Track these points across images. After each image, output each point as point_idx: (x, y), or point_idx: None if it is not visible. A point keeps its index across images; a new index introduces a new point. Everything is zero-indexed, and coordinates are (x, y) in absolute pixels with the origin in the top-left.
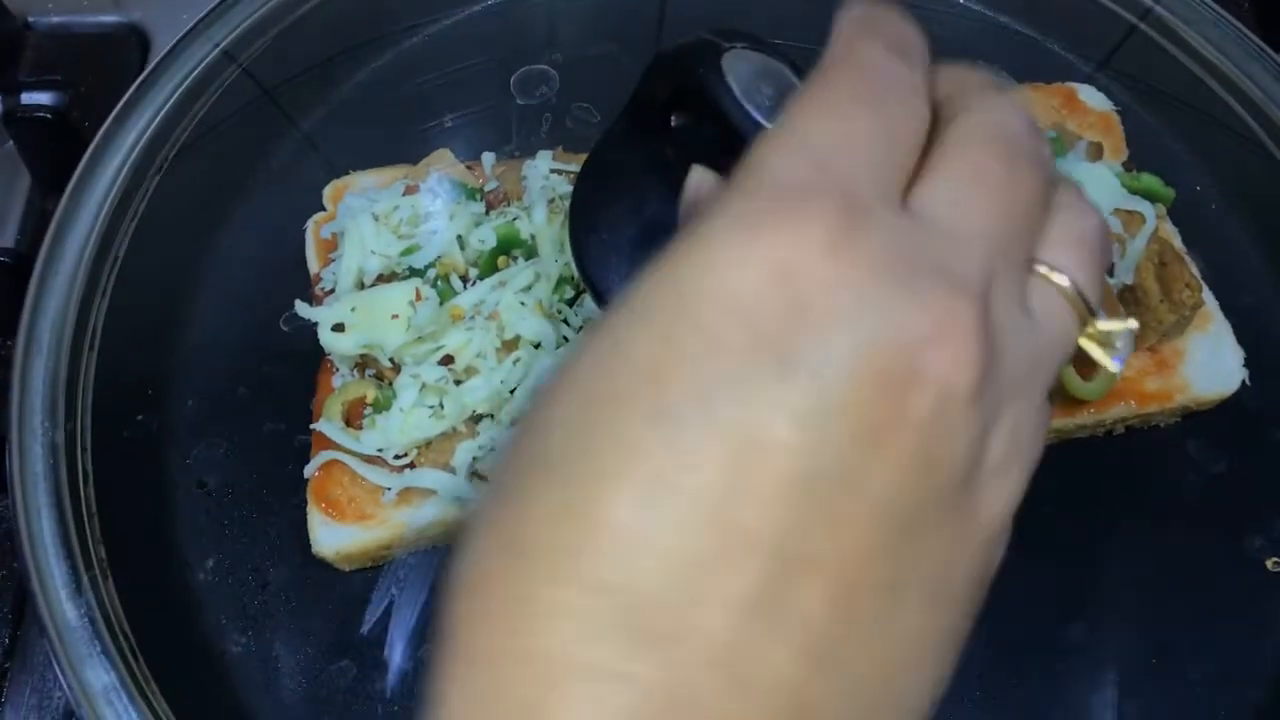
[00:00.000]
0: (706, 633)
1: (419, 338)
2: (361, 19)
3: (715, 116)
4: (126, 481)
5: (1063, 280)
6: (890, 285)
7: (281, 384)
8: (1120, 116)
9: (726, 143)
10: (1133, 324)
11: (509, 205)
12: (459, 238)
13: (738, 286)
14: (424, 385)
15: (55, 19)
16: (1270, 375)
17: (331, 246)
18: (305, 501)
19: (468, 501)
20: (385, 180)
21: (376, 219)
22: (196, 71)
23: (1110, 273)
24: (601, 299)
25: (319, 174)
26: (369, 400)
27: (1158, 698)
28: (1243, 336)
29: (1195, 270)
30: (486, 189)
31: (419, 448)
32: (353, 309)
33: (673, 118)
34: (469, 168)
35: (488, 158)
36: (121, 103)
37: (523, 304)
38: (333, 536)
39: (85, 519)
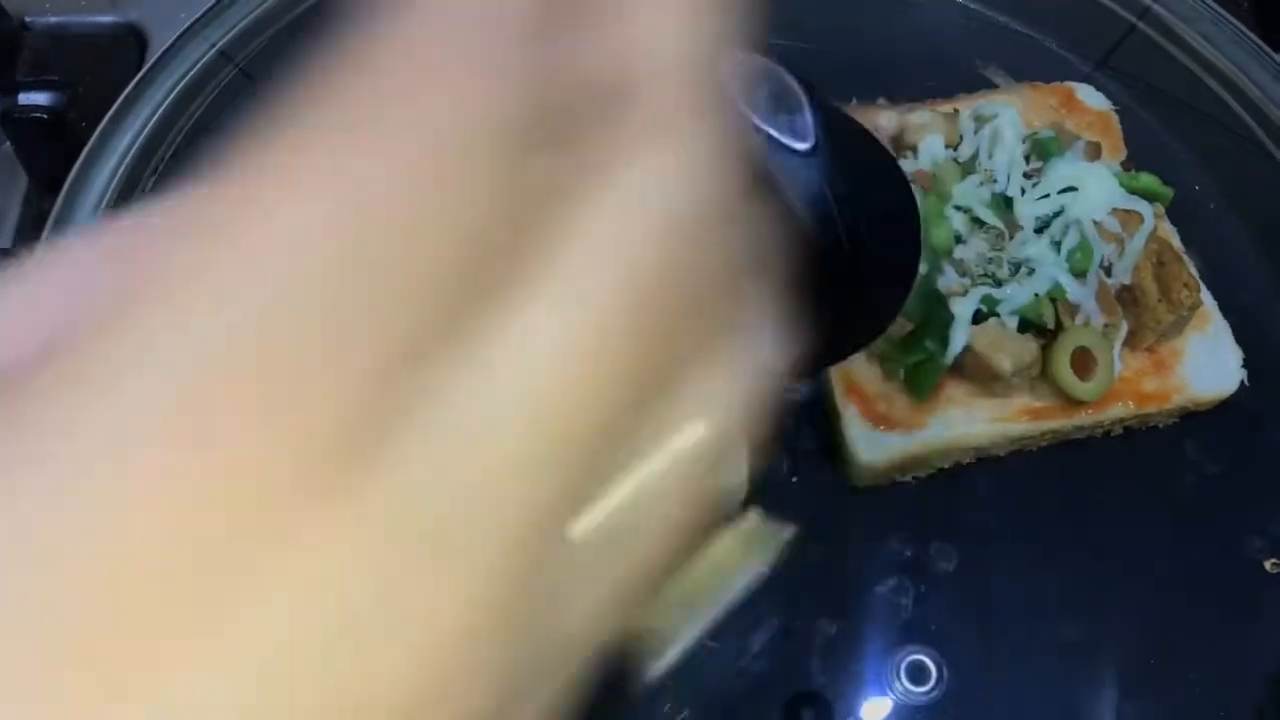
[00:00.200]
0: None
1: None
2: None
3: None
4: None
5: None
6: None
7: None
8: (1118, 116)
9: None
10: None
11: None
12: None
13: None
14: None
15: (52, 19)
16: (1269, 376)
17: None
18: None
19: None
20: None
21: None
22: (193, 72)
23: (1109, 273)
24: None
25: None
26: None
27: (1157, 698)
28: (1241, 336)
29: (1193, 270)
30: None
31: None
32: None
33: None
34: None
35: None
36: (117, 103)
37: None
38: None
39: None
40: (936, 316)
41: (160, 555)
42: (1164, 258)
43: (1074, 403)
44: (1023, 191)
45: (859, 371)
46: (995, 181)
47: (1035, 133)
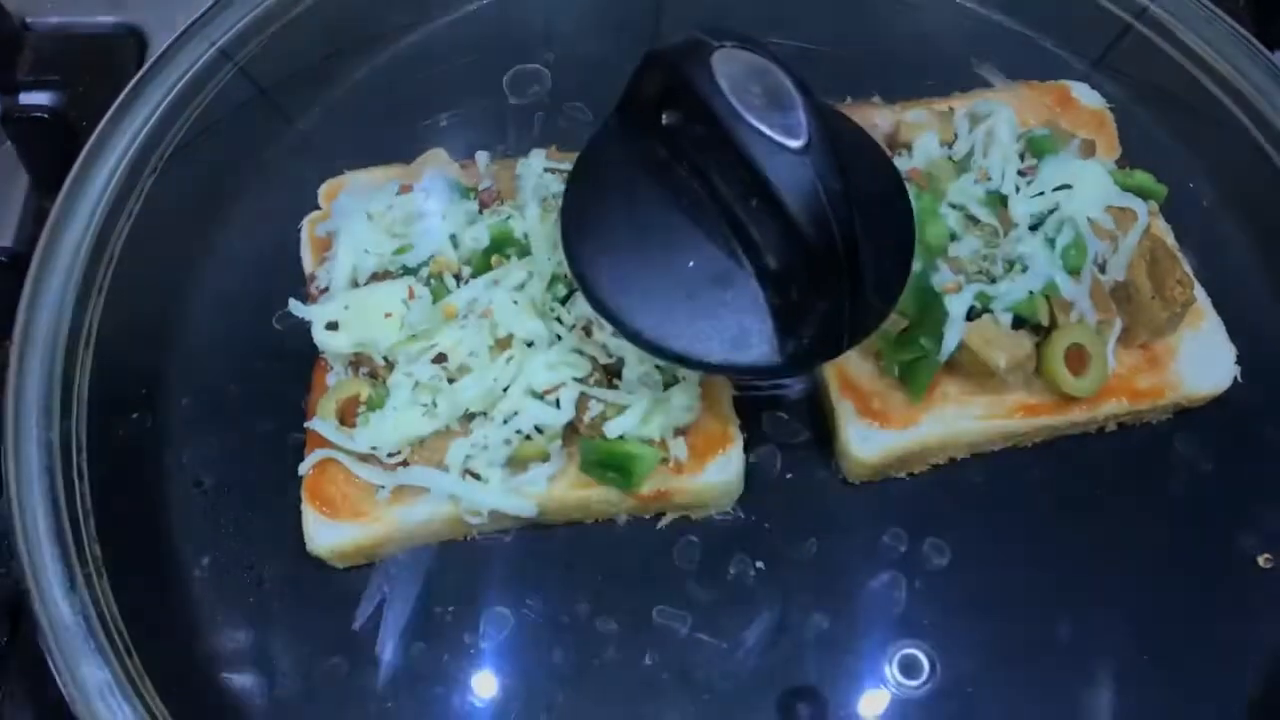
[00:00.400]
0: None
1: (412, 336)
2: (357, 19)
3: (705, 114)
4: (122, 480)
5: None
6: None
7: (274, 382)
8: (1114, 114)
9: (716, 141)
10: None
11: (502, 204)
12: (452, 236)
13: None
14: (417, 383)
15: (53, 20)
16: (1262, 372)
17: (327, 245)
18: (299, 499)
19: (461, 499)
20: (379, 179)
21: (370, 218)
22: (193, 71)
23: (1103, 270)
24: (593, 296)
25: (314, 173)
26: (363, 399)
27: (1151, 691)
28: (1235, 333)
29: (1187, 267)
30: (480, 188)
31: (412, 446)
32: (346, 307)
33: (663, 116)
34: (463, 166)
35: (482, 156)
36: (118, 102)
37: (516, 302)
38: (327, 534)
39: (80, 517)
40: (931, 313)
41: None
42: (1158, 255)
43: (1068, 399)
44: (1017, 189)
45: (855, 368)
46: (990, 179)
47: (1030, 131)
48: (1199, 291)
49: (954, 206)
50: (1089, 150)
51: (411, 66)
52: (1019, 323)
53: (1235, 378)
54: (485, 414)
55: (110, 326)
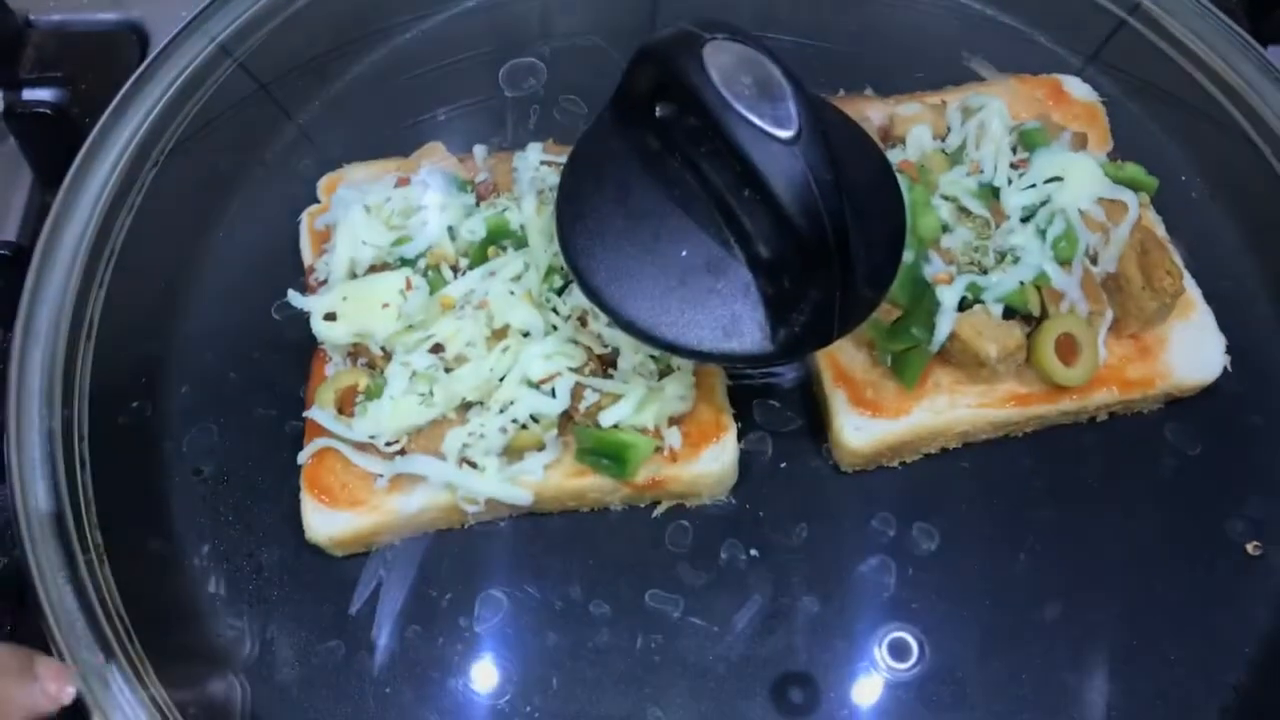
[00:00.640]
0: None
1: (409, 326)
2: (355, 14)
3: (696, 106)
4: (122, 468)
5: None
6: None
7: (273, 371)
8: (1106, 108)
9: (708, 132)
10: None
11: (499, 196)
12: (450, 228)
13: None
14: (414, 373)
15: (56, 17)
16: (1251, 362)
17: (326, 238)
18: (298, 487)
19: (458, 487)
20: (378, 173)
21: (368, 210)
22: (193, 66)
23: (1094, 261)
24: (587, 286)
25: (313, 167)
26: (361, 388)
27: (1140, 678)
28: (1224, 323)
29: (1177, 258)
30: (477, 180)
31: (410, 435)
32: (344, 298)
33: (657, 108)
34: (460, 160)
35: (479, 150)
36: (118, 97)
37: (512, 293)
38: (325, 522)
39: (82, 504)
40: (923, 304)
41: None
42: (1148, 246)
43: (1059, 389)
44: (1009, 181)
45: (847, 358)
46: (982, 171)
47: (1022, 124)
48: (1189, 282)
49: (946, 198)
50: (1080, 143)
51: (409, 61)
52: (1010, 313)
53: (1225, 367)
54: (482, 403)
55: (111, 317)
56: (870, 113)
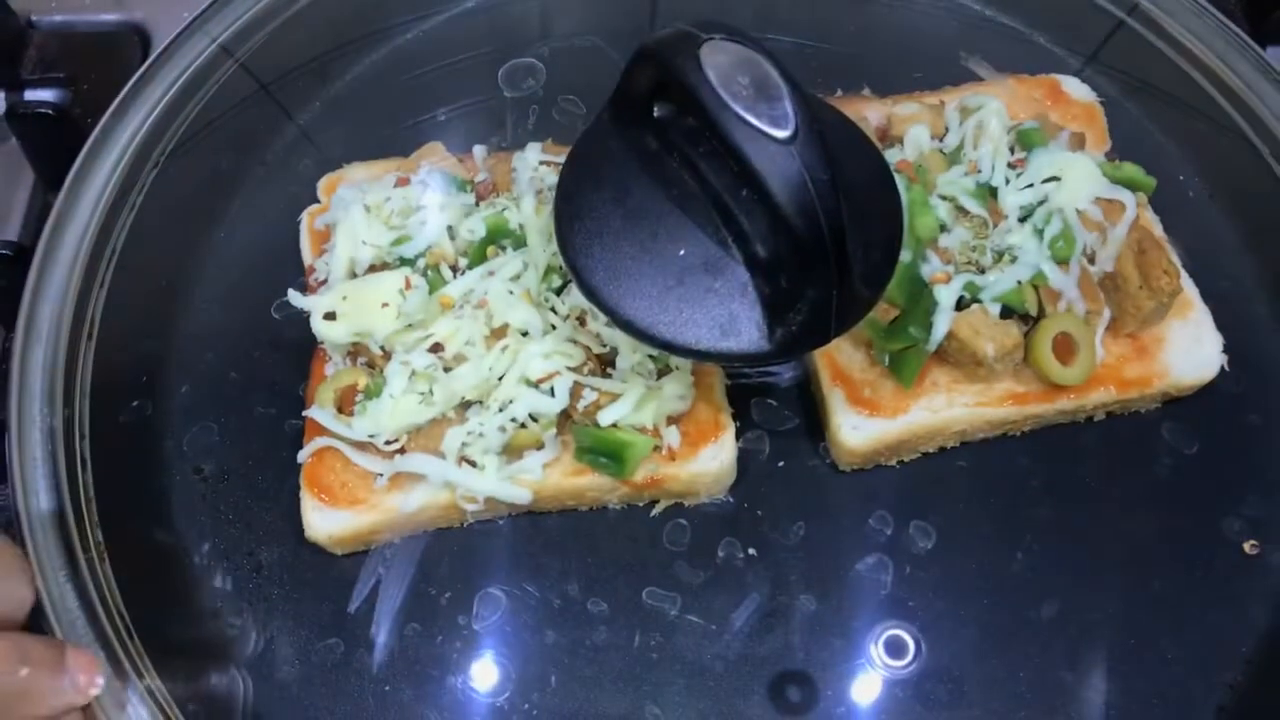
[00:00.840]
0: None
1: (409, 325)
2: (355, 14)
3: (693, 106)
4: (123, 466)
5: None
6: None
7: (274, 371)
8: (1105, 108)
9: (705, 132)
10: None
11: (498, 196)
12: (449, 228)
13: None
14: (414, 372)
15: (58, 18)
16: (1249, 361)
17: (326, 238)
18: (298, 486)
19: (457, 485)
20: (378, 173)
21: (368, 210)
22: (194, 66)
23: (1091, 260)
24: (585, 285)
25: (313, 167)
26: (360, 387)
27: (1137, 677)
28: (1222, 323)
29: (1175, 258)
30: (477, 180)
31: (409, 433)
32: (344, 297)
33: (655, 108)
34: (460, 160)
35: (478, 150)
36: (120, 97)
37: (511, 292)
38: (325, 521)
39: (83, 503)
40: (921, 303)
41: None
42: (1145, 245)
43: (1056, 388)
44: (1007, 181)
45: (845, 357)
46: (980, 171)
47: (1020, 124)
48: (1186, 282)
49: (944, 198)
50: (1078, 143)
51: (409, 61)
52: (1008, 313)
53: (1222, 367)
54: (481, 402)
55: (112, 317)
56: (868, 113)
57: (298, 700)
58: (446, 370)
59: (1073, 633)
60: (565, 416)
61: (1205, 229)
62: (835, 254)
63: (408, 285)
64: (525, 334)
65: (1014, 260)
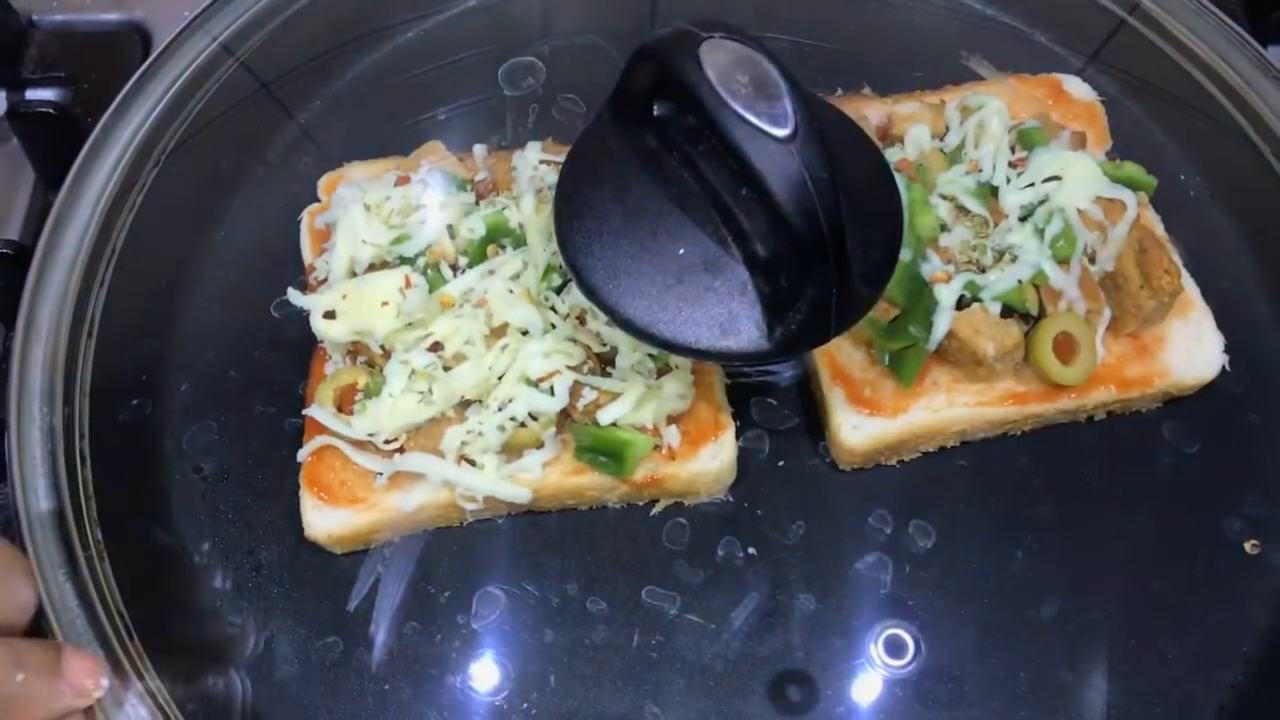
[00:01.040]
0: None
1: (409, 324)
2: (355, 14)
3: (693, 104)
4: (123, 465)
5: None
6: None
7: (273, 369)
8: (1106, 107)
9: (705, 131)
10: None
11: (498, 195)
12: (449, 227)
13: None
14: (413, 371)
15: (59, 17)
16: (1250, 361)
17: (326, 237)
18: (297, 485)
19: (456, 484)
20: (378, 171)
21: (368, 209)
22: (194, 65)
23: (1092, 260)
24: (585, 284)
25: (314, 166)
26: (360, 386)
27: (1137, 676)
28: (1223, 322)
29: (1176, 257)
30: (477, 179)
31: (409, 432)
32: (344, 296)
33: (654, 107)
34: (460, 159)
35: (479, 149)
36: (120, 96)
37: (511, 291)
38: (325, 520)
39: (82, 502)
40: (921, 302)
41: None
42: (1146, 244)
43: (1057, 387)
44: (1007, 180)
45: (845, 356)
46: (980, 170)
47: (1021, 123)
48: (1187, 281)
49: (944, 197)
50: (1079, 142)
51: (410, 61)
52: (1008, 312)
53: (1223, 366)
54: (481, 401)
55: (112, 315)
56: (869, 112)
57: (297, 699)
58: (446, 369)
59: (1073, 632)
60: (565, 415)
61: (1206, 228)
62: (835, 253)
63: (407, 284)
64: (525, 333)
65: (1014, 259)
